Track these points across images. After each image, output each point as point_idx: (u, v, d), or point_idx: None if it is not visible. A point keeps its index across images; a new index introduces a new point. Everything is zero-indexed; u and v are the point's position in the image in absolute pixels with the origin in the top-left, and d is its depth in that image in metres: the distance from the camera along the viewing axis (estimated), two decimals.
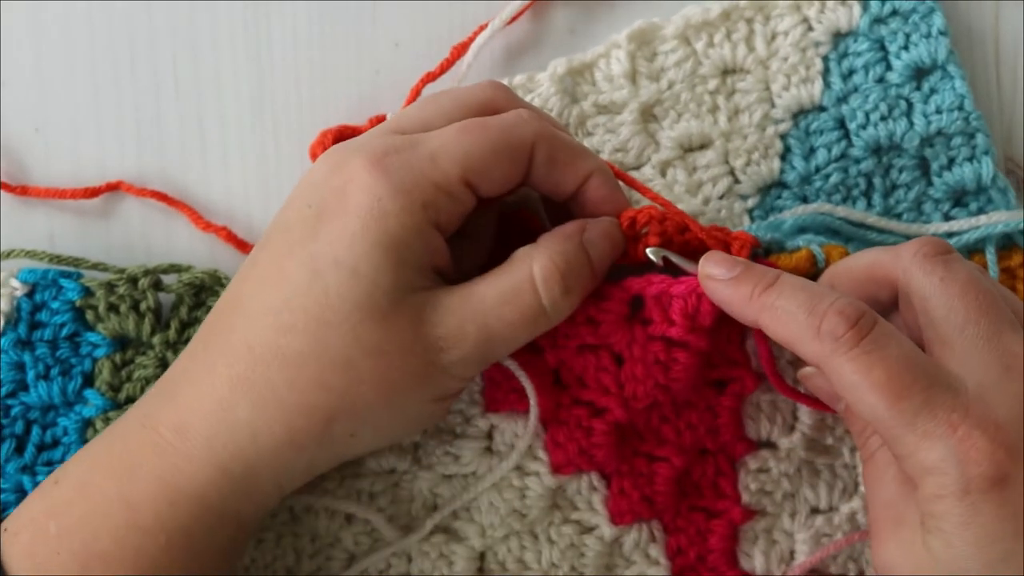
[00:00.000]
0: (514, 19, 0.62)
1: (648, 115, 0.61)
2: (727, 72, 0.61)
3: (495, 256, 0.53)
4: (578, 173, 0.53)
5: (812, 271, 0.54)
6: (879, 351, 0.47)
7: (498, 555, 0.58)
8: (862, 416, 0.48)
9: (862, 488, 0.57)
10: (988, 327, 0.47)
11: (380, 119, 0.59)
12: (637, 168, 0.61)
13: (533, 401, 0.55)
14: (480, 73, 0.62)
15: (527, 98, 0.60)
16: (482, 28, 0.62)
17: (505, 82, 0.60)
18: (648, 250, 0.53)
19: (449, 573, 0.58)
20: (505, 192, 0.52)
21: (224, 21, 0.63)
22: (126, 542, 0.48)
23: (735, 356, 0.56)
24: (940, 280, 0.48)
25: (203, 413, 0.49)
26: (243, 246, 0.61)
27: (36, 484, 0.57)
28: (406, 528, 0.58)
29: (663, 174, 0.60)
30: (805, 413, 0.57)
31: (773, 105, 0.61)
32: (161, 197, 0.61)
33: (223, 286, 0.59)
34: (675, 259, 0.53)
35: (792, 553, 0.58)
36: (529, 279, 0.50)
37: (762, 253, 0.55)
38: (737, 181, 0.60)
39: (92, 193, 0.61)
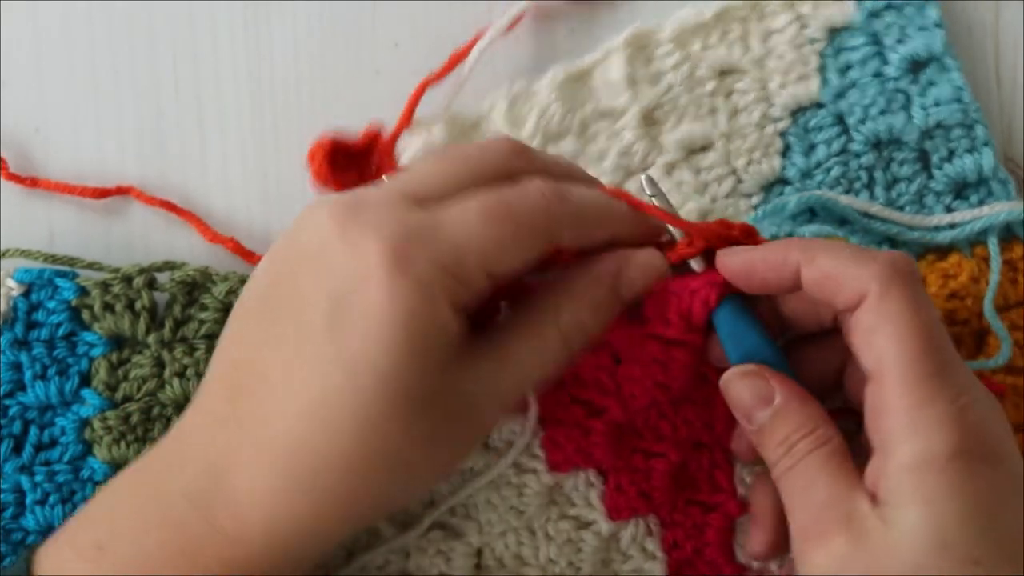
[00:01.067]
0: (515, 23, 0.62)
1: (649, 119, 0.61)
2: (724, 73, 0.61)
3: None
4: (603, 238, 0.52)
5: None
6: (926, 296, 0.47)
7: (495, 551, 0.58)
8: (872, 352, 0.47)
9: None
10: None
11: (374, 132, 0.59)
12: (645, 169, 0.61)
13: (533, 405, 0.56)
14: (481, 76, 0.62)
15: (527, 107, 0.60)
16: (482, 32, 0.61)
17: (505, 90, 0.60)
18: (643, 176, 0.53)
19: (447, 569, 0.58)
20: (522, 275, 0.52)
21: (224, 21, 0.63)
22: None
23: None
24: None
25: (263, 506, 0.48)
26: (249, 256, 0.61)
27: (34, 484, 0.57)
28: (404, 525, 0.58)
29: (669, 174, 0.60)
30: None
31: (771, 104, 0.60)
32: (170, 207, 0.61)
33: (214, 283, 0.59)
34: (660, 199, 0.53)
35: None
36: (557, 339, 0.51)
37: None
38: (740, 180, 0.60)
39: (101, 194, 0.61)
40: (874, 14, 0.60)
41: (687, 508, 0.58)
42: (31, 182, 0.61)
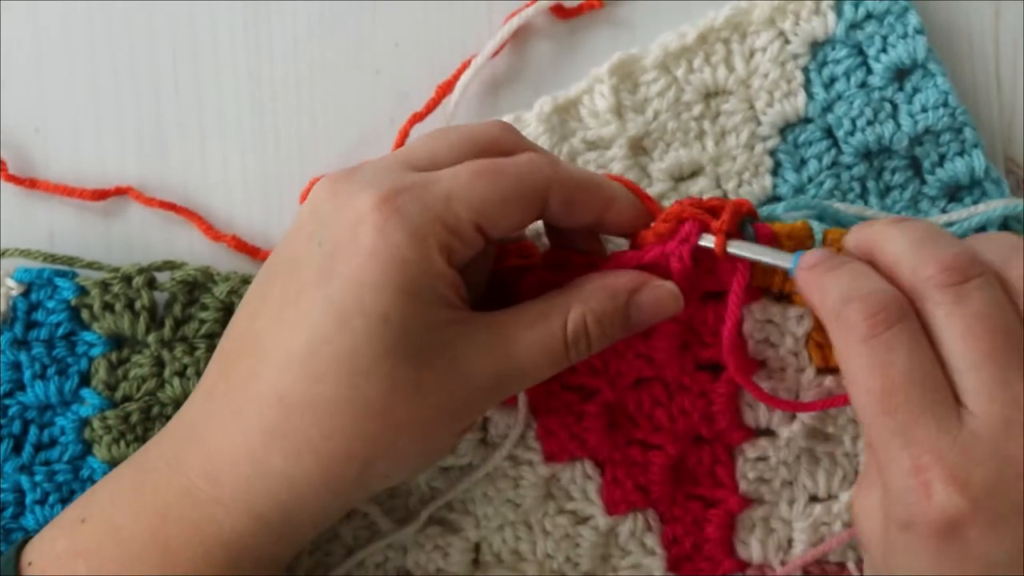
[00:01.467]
0: (497, 52, 0.62)
1: (637, 148, 0.60)
2: (710, 96, 0.61)
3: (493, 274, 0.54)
4: (596, 208, 0.52)
5: (808, 245, 0.54)
6: (885, 355, 0.46)
7: (493, 546, 0.58)
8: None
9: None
10: (992, 373, 0.45)
11: None
12: None
13: (522, 395, 0.56)
14: (467, 107, 0.62)
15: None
16: (465, 65, 0.61)
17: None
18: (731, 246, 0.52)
19: (444, 565, 0.58)
20: (514, 233, 0.52)
21: (224, 21, 0.63)
22: None
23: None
24: (946, 315, 0.46)
25: (236, 462, 0.48)
26: (254, 252, 0.61)
27: (34, 484, 0.57)
28: (403, 522, 0.58)
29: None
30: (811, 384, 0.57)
31: (759, 123, 0.60)
32: (171, 207, 0.61)
33: (215, 283, 0.59)
34: (741, 251, 0.52)
35: (790, 541, 0.58)
36: (561, 330, 0.50)
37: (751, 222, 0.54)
38: None
39: (100, 195, 0.61)
40: (855, 25, 0.60)
41: (687, 503, 0.58)
42: (30, 183, 0.61)
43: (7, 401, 0.58)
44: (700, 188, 0.60)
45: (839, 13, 0.60)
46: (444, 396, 0.48)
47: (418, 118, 0.61)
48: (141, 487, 0.50)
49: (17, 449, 0.58)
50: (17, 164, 0.62)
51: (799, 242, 0.53)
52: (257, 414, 0.48)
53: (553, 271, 0.54)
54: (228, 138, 0.63)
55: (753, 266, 0.53)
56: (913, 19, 0.59)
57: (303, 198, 0.57)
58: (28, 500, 0.57)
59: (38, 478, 0.57)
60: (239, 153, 0.63)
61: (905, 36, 0.59)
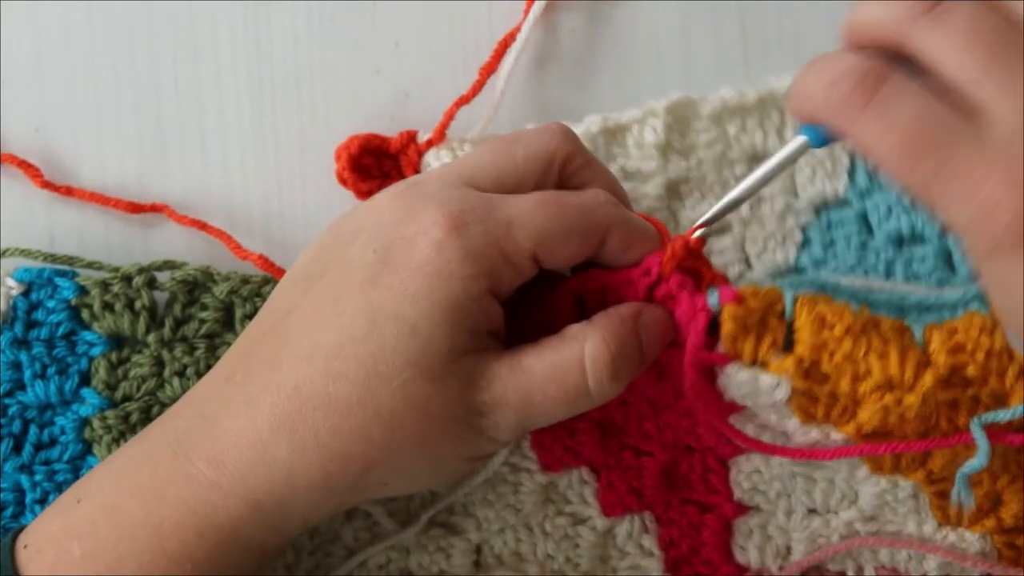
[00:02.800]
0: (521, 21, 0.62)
1: (673, 191, 0.60)
2: (755, 158, 0.60)
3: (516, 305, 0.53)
4: (642, 254, 0.52)
5: (778, 308, 0.51)
6: (890, 112, 0.44)
7: (494, 548, 0.58)
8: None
9: (861, 501, 0.56)
10: (1002, 73, 0.43)
11: (411, 135, 0.59)
12: None
13: None
14: (511, 88, 0.62)
15: None
16: (505, 44, 0.61)
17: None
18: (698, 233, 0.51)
19: (447, 567, 0.58)
20: (565, 267, 0.52)
21: (224, 21, 0.63)
22: (151, 569, 0.48)
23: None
24: (938, 39, 0.44)
25: (241, 448, 0.48)
26: (279, 273, 0.60)
27: (34, 484, 0.57)
28: (405, 524, 0.58)
29: None
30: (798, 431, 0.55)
31: (796, 196, 0.60)
32: (201, 226, 0.61)
33: (215, 283, 0.59)
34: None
35: (788, 549, 0.58)
36: (579, 360, 0.49)
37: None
38: (750, 267, 0.60)
39: (135, 209, 0.61)
40: None
41: (682, 507, 0.58)
42: (66, 191, 0.61)
43: (7, 400, 0.58)
44: (723, 246, 0.60)
45: None
46: (452, 419, 0.48)
47: (464, 101, 0.61)
48: (140, 467, 0.50)
49: (17, 448, 0.58)
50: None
51: (767, 304, 0.50)
52: (271, 403, 0.48)
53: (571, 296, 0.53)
54: (228, 138, 0.63)
55: (716, 331, 0.50)
56: None
57: (336, 158, 0.58)
58: (28, 499, 0.57)
59: (38, 477, 0.57)
60: (239, 153, 0.63)
61: None
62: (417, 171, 0.60)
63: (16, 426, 0.58)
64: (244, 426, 0.48)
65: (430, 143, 0.60)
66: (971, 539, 0.56)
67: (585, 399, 0.50)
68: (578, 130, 0.59)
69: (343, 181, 0.61)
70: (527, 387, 0.49)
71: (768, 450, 0.54)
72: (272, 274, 0.60)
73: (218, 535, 0.48)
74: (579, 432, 0.56)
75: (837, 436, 0.52)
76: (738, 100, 0.60)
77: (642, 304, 0.51)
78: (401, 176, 0.60)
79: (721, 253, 0.60)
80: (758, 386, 0.51)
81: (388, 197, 0.50)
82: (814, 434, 0.53)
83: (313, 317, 0.49)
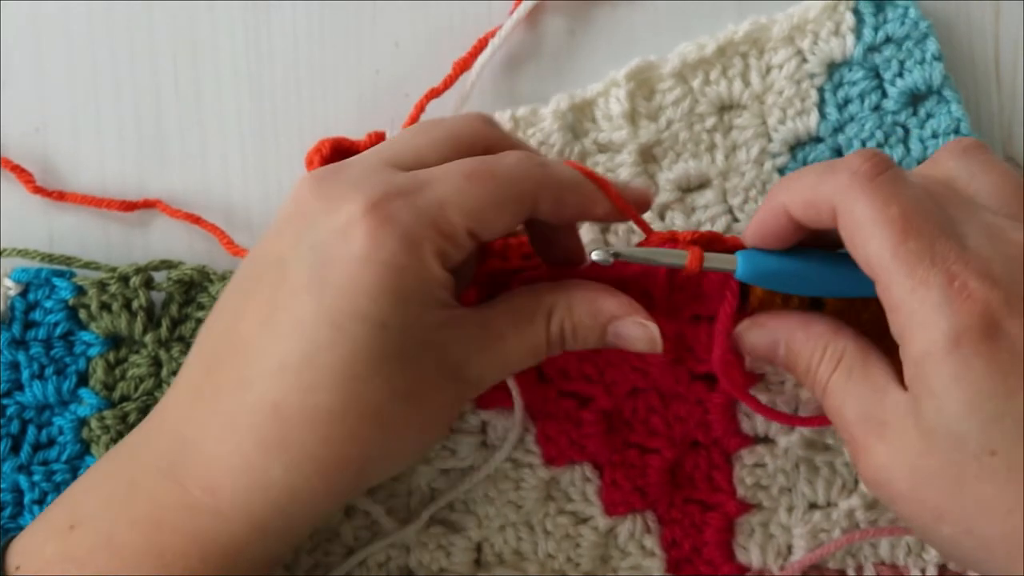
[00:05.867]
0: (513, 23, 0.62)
1: (647, 156, 0.60)
2: (724, 109, 0.61)
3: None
4: (581, 205, 0.52)
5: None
6: (895, 189, 0.46)
7: (495, 546, 0.58)
8: (860, 258, 0.47)
9: (862, 486, 0.57)
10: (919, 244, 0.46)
11: (379, 136, 0.58)
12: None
13: (517, 399, 0.56)
14: (482, 86, 0.62)
15: (530, 132, 0.60)
16: (484, 41, 0.61)
17: (509, 113, 0.60)
18: (593, 254, 0.51)
19: (447, 564, 0.58)
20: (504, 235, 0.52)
21: (224, 21, 0.63)
22: None
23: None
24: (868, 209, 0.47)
25: (234, 474, 0.48)
26: None
27: (32, 484, 0.57)
28: (405, 522, 0.58)
29: (662, 217, 0.60)
30: (805, 412, 0.57)
31: (770, 140, 0.60)
32: (195, 220, 0.61)
33: (212, 282, 0.59)
34: (628, 254, 0.52)
35: (789, 548, 0.58)
36: (544, 330, 0.51)
37: None
38: (736, 219, 0.60)
39: (129, 207, 0.61)
40: (873, 48, 0.60)
41: (685, 506, 0.58)
42: (58, 195, 0.61)
43: (5, 401, 0.58)
44: (706, 200, 0.60)
45: (858, 35, 0.60)
46: (438, 395, 0.49)
47: (435, 94, 0.61)
48: (134, 494, 0.49)
49: (15, 449, 0.58)
50: (18, 164, 0.62)
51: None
52: (250, 425, 0.47)
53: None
54: (228, 138, 0.63)
55: (744, 291, 0.53)
56: (932, 45, 0.59)
57: (307, 163, 0.57)
58: (26, 500, 0.57)
59: (36, 478, 0.57)
60: (239, 153, 0.63)
61: (923, 62, 0.59)
62: None
63: (14, 426, 0.58)
64: (232, 451, 0.48)
65: None
66: None
67: (542, 358, 0.52)
68: (546, 110, 0.60)
69: None
70: (499, 351, 0.50)
71: (785, 419, 0.55)
72: None
73: (223, 559, 0.48)
74: (585, 424, 0.57)
75: None
76: (698, 54, 0.60)
77: (630, 312, 0.52)
78: None
79: (706, 208, 0.60)
80: None
81: (307, 186, 0.49)
82: None
83: (268, 326, 0.48)
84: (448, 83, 0.61)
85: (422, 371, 0.48)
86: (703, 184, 0.60)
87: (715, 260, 0.51)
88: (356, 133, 0.61)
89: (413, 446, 0.51)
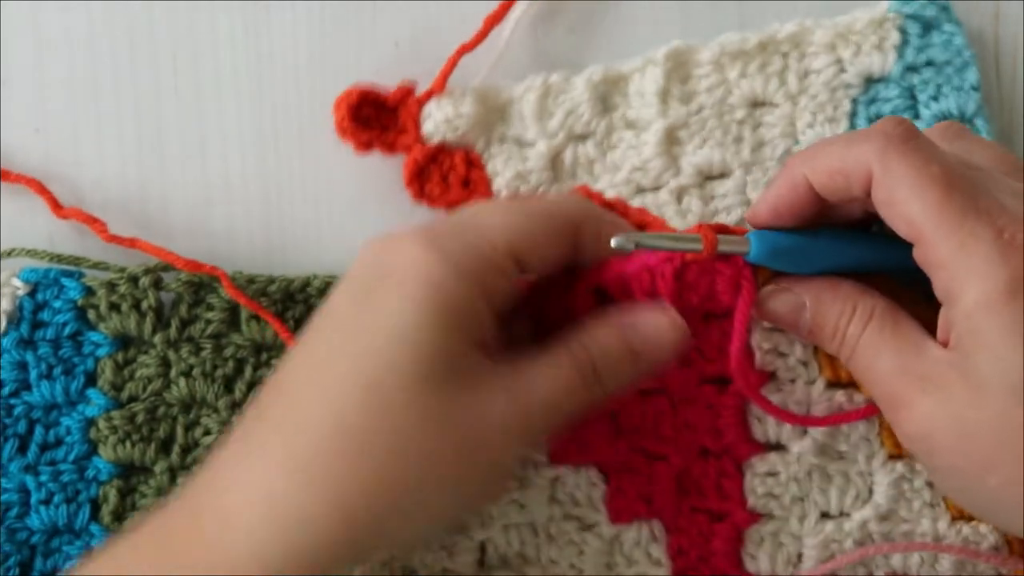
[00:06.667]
0: None
1: (673, 137, 0.61)
2: (756, 104, 0.61)
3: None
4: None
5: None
6: (932, 151, 0.47)
7: (499, 547, 0.58)
8: (901, 217, 0.47)
9: (876, 497, 0.56)
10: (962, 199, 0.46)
11: (408, 89, 0.60)
12: (654, 191, 0.61)
13: None
14: (511, 46, 0.62)
15: (558, 100, 0.60)
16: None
17: (541, 79, 0.60)
18: (613, 240, 0.50)
19: (450, 564, 0.57)
20: (552, 271, 0.52)
21: (224, 21, 0.63)
22: None
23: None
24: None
25: (251, 501, 0.46)
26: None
27: (39, 484, 0.57)
28: None
29: (679, 200, 0.60)
30: (823, 396, 0.56)
31: (797, 141, 0.61)
32: (255, 307, 0.59)
33: (221, 284, 0.58)
34: (645, 241, 0.51)
35: (800, 556, 0.57)
36: (570, 365, 0.50)
37: None
38: None
39: (195, 267, 0.58)
40: (913, 68, 0.60)
41: (692, 515, 0.57)
42: (130, 243, 0.59)
43: (13, 401, 0.58)
44: (725, 189, 0.60)
45: (900, 54, 0.60)
46: (464, 431, 0.47)
47: (466, 49, 0.61)
48: (155, 529, 0.48)
49: (22, 449, 0.58)
50: (18, 165, 0.62)
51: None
52: (282, 445, 0.46)
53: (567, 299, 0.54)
54: (228, 138, 0.63)
55: (758, 280, 0.53)
56: (972, 75, 0.60)
57: (335, 109, 0.59)
58: (33, 500, 0.57)
59: (43, 478, 0.57)
60: (239, 153, 0.63)
61: (960, 89, 0.60)
62: (416, 123, 0.60)
63: (21, 426, 0.58)
64: (256, 477, 0.47)
65: (430, 93, 0.60)
66: (985, 531, 0.56)
67: (585, 398, 0.50)
68: (579, 78, 0.60)
69: (343, 131, 0.60)
70: (528, 392, 0.49)
71: (796, 420, 0.54)
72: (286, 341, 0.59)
73: None
74: (589, 424, 0.55)
75: (860, 398, 0.54)
76: (739, 45, 0.61)
77: (639, 308, 0.52)
78: (399, 129, 0.61)
79: (724, 196, 0.61)
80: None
81: (363, 247, 0.50)
82: (839, 397, 0.55)
83: (308, 359, 0.48)
84: (479, 38, 0.61)
85: (451, 401, 0.47)
86: (724, 173, 0.61)
87: (728, 242, 0.51)
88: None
89: (438, 493, 0.48)
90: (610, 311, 0.52)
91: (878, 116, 0.60)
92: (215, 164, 0.63)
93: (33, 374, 0.58)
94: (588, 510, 0.57)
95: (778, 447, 0.56)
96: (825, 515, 0.57)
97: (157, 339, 0.58)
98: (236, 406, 0.58)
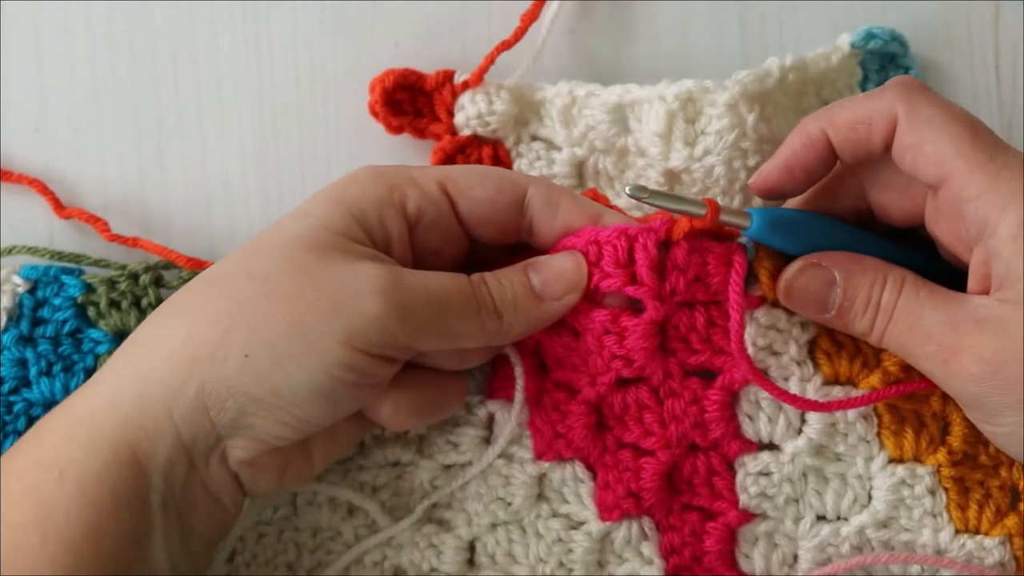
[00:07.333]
0: None
1: (675, 179, 0.60)
2: (767, 142, 0.59)
3: None
4: (584, 217, 0.53)
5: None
6: (946, 99, 0.49)
7: (487, 547, 0.57)
8: (930, 156, 0.48)
9: (875, 502, 0.55)
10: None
11: (448, 74, 0.61)
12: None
13: (519, 379, 0.55)
14: (547, 45, 0.63)
15: (583, 112, 0.60)
16: None
17: (569, 87, 0.61)
18: (628, 188, 0.51)
19: (438, 564, 0.57)
20: (500, 237, 0.53)
21: (224, 21, 0.63)
22: (26, 478, 0.48)
23: (719, 342, 0.55)
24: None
25: (126, 343, 0.51)
26: None
27: None
28: (399, 519, 0.57)
29: None
30: (814, 415, 0.55)
31: None
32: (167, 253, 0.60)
33: None
34: (653, 195, 0.51)
35: (795, 557, 0.56)
36: (464, 289, 0.51)
37: None
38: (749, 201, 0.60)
39: (196, 264, 0.59)
40: None
41: (684, 513, 0.56)
42: (132, 242, 0.60)
43: (12, 398, 0.58)
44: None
45: (863, 88, 0.62)
46: (326, 288, 0.49)
47: (505, 46, 0.61)
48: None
49: None
50: (19, 165, 0.62)
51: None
52: (193, 292, 0.52)
53: None
54: (228, 138, 0.63)
55: (751, 271, 0.53)
56: None
57: (370, 90, 0.61)
58: None
59: None
60: (239, 153, 0.63)
61: None
62: (450, 112, 0.61)
63: (21, 423, 0.58)
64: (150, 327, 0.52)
65: (466, 85, 0.60)
66: (990, 546, 0.55)
67: (471, 302, 0.52)
68: (603, 97, 0.60)
69: (375, 114, 0.61)
70: (399, 275, 0.50)
71: (795, 402, 0.54)
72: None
73: (84, 437, 0.48)
74: (571, 415, 0.55)
75: (858, 394, 0.54)
76: (758, 86, 0.59)
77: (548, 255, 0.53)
78: (433, 115, 0.61)
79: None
80: (790, 322, 0.54)
81: None
82: (836, 393, 0.54)
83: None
84: (518, 35, 0.61)
85: (322, 262, 0.50)
86: None
87: (730, 214, 0.51)
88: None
89: (282, 339, 0.48)
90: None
91: None
92: (215, 164, 0.63)
93: (33, 371, 0.58)
94: (577, 507, 0.57)
95: (771, 447, 0.56)
96: (821, 518, 0.56)
97: None
98: None
